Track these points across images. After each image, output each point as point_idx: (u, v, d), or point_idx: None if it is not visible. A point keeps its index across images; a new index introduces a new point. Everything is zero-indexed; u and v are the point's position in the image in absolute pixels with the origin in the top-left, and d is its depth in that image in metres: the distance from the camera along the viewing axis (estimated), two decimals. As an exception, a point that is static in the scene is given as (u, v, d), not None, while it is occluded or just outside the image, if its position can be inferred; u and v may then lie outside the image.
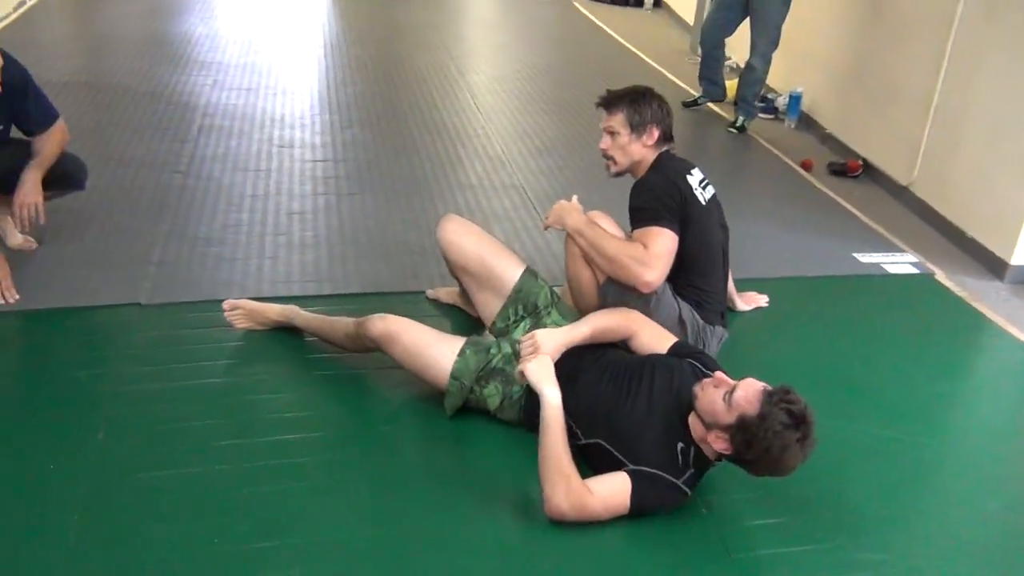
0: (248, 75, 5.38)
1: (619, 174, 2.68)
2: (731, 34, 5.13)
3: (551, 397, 2.09)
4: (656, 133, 2.59)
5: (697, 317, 2.59)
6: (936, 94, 4.04)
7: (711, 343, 2.62)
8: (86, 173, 3.16)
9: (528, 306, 2.47)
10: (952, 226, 3.90)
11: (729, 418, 1.94)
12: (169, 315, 2.83)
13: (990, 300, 3.38)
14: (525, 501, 2.12)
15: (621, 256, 2.48)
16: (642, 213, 2.52)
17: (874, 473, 2.34)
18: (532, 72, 6.07)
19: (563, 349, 2.24)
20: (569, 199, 2.66)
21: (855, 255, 3.59)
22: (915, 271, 3.52)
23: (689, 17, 7.39)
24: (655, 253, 2.45)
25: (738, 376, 2.03)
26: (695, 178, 2.62)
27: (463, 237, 2.57)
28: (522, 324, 2.45)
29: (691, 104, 5.45)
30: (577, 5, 8.53)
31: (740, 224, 3.15)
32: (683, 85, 5.89)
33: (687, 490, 2.05)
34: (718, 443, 1.99)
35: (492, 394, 2.32)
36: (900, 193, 4.29)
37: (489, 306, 2.52)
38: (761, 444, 1.90)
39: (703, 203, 2.60)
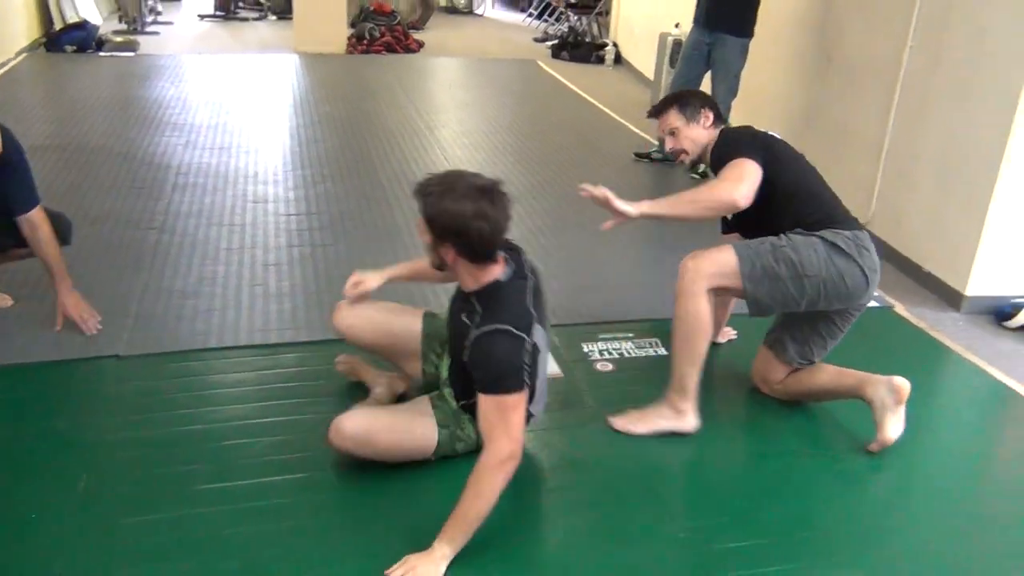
0: (220, 135, 5.47)
1: (694, 163, 2.77)
2: (699, 87, 5.31)
3: None
4: (711, 114, 2.71)
5: (842, 232, 2.51)
6: (887, 138, 4.23)
7: (870, 247, 2.54)
8: (71, 230, 3.19)
9: (442, 342, 2.49)
10: (909, 261, 4.04)
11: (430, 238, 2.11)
12: (148, 366, 2.85)
13: (948, 330, 3.51)
14: (505, 540, 2.15)
15: (703, 194, 2.51)
16: (722, 159, 2.56)
17: (843, 495, 2.42)
18: (498, 127, 6.22)
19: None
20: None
21: (817, 291, 3.71)
22: (875, 304, 3.63)
23: (649, 72, 7.63)
24: (737, 173, 2.47)
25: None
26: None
27: (357, 329, 2.54)
28: (444, 360, 2.47)
29: (644, 156, 5.58)
30: (541, 64, 8.78)
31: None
32: (645, 136, 6.08)
33: (504, 327, 2.04)
34: (450, 255, 2.10)
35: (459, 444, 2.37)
36: (858, 232, 4.44)
37: (412, 364, 2.55)
38: (448, 223, 2.05)
39: (779, 137, 2.70)
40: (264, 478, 2.33)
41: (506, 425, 1.98)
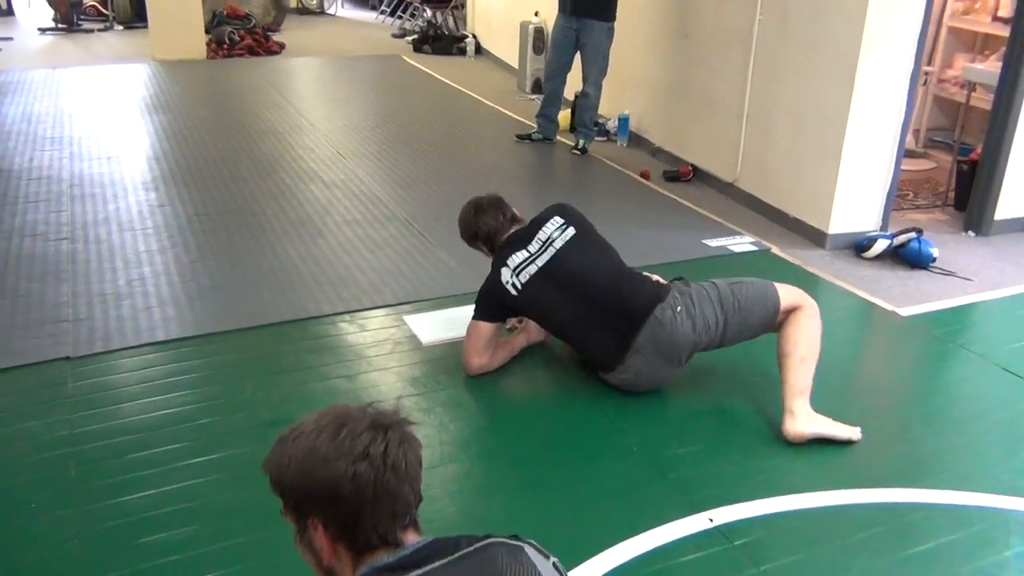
0: (103, 145, 5.41)
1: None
2: (571, 70, 5.69)
3: None
4: (484, 247, 2.97)
5: (623, 355, 2.72)
6: (746, 101, 4.72)
7: (641, 359, 2.72)
8: None
9: None
10: (776, 210, 4.55)
11: None
12: (101, 363, 2.93)
13: (817, 264, 4.01)
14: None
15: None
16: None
17: (752, 402, 2.80)
18: (381, 119, 6.42)
19: None
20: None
21: (704, 241, 4.16)
22: (755, 248, 4.12)
23: (511, 60, 7.98)
24: (467, 349, 2.88)
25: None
26: (516, 259, 2.78)
27: None
28: None
29: (524, 138, 5.91)
30: (406, 58, 8.98)
31: (601, 228, 3.47)
32: (518, 118, 6.43)
33: None
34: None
35: None
36: (728, 189, 4.93)
37: None
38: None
39: (516, 292, 2.75)
40: (251, 447, 2.49)
41: None
